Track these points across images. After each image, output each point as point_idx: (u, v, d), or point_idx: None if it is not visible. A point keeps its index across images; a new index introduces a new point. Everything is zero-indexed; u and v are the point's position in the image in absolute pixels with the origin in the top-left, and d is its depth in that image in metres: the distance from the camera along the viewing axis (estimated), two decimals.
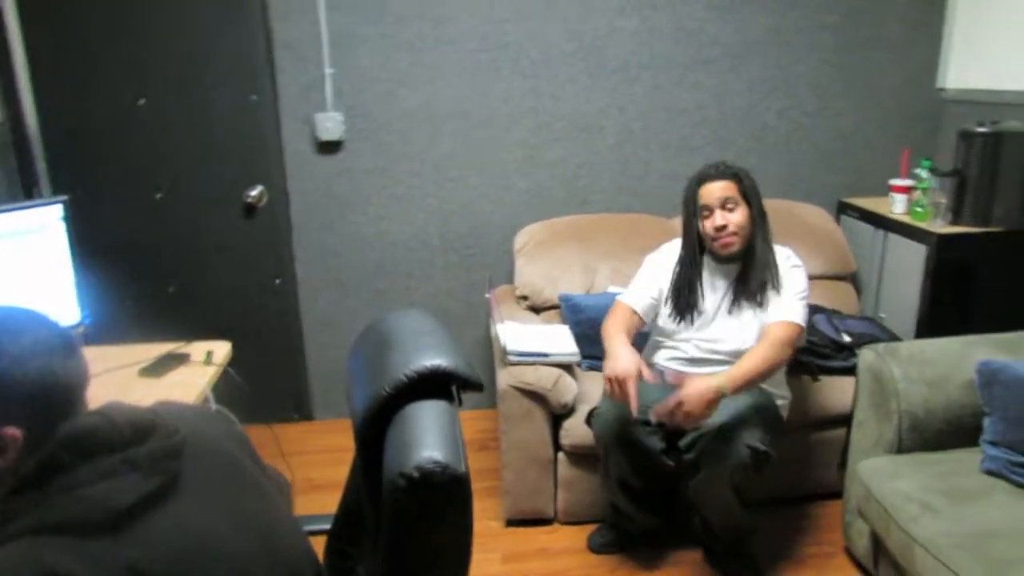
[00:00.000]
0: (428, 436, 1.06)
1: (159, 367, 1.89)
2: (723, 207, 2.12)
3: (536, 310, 2.86)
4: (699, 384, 1.92)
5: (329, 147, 2.93)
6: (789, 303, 2.11)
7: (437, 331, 1.31)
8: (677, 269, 2.24)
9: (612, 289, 2.73)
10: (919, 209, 2.73)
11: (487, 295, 2.45)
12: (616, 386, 1.99)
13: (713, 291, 2.22)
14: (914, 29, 3.09)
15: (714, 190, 2.13)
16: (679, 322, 2.22)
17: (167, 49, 2.75)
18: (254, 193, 2.91)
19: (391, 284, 3.13)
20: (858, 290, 3.01)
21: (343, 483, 1.33)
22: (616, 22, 2.93)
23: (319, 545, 1.27)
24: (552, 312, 2.83)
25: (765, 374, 2.03)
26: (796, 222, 2.98)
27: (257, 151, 2.90)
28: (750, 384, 1.99)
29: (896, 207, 2.86)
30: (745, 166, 3.12)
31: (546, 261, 2.86)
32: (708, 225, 2.14)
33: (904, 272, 2.75)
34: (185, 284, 2.99)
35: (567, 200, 3.10)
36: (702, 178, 2.17)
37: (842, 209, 3.17)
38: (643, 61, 2.99)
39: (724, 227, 2.11)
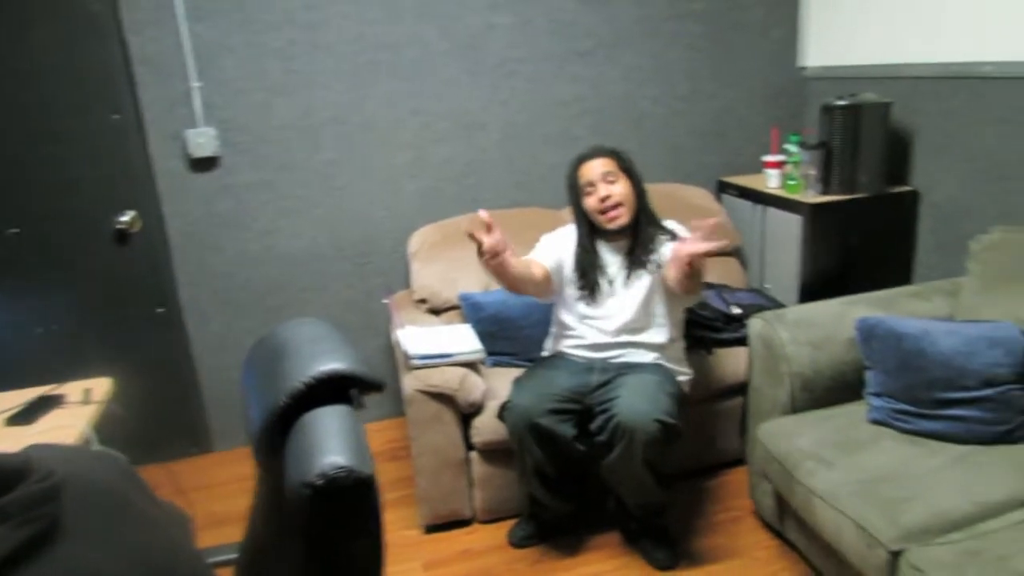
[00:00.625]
0: (330, 441, 1.03)
1: (29, 413, 1.75)
2: (604, 180, 2.21)
3: (436, 312, 2.83)
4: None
5: (204, 164, 2.80)
6: None
7: (332, 336, 1.27)
8: (578, 251, 2.28)
9: None
10: (791, 182, 2.87)
11: (385, 301, 2.41)
12: (479, 224, 1.94)
13: (609, 267, 2.27)
14: (772, 12, 3.25)
15: (594, 166, 2.23)
16: (587, 302, 2.26)
17: (7, 71, 2.54)
18: (125, 219, 2.74)
19: (285, 300, 3.02)
20: (743, 264, 3.14)
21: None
22: (491, 18, 2.94)
23: None
24: (453, 313, 2.81)
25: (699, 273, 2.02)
26: (680, 204, 3.08)
27: (124, 174, 2.73)
28: (696, 272, 1.97)
29: (771, 182, 3.00)
30: (627, 152, 3.23)
31: (442, 262, 2.84)
32: (593, 200, 2.22)
33: (783, 243, 2.89)
34: (57, 323, 2.77)
35: (457, 199, 3.09)
36: (581, 158, 2.28)
37: (722, 188, 3.30)
38: (520, 56, 3.01)
39: (608, 197, 2.19)
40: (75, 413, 1.75)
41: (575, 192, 2.27)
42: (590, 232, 2.28)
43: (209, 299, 2.95)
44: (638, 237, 2.24)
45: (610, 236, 2.26)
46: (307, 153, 2.89)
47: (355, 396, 1.20)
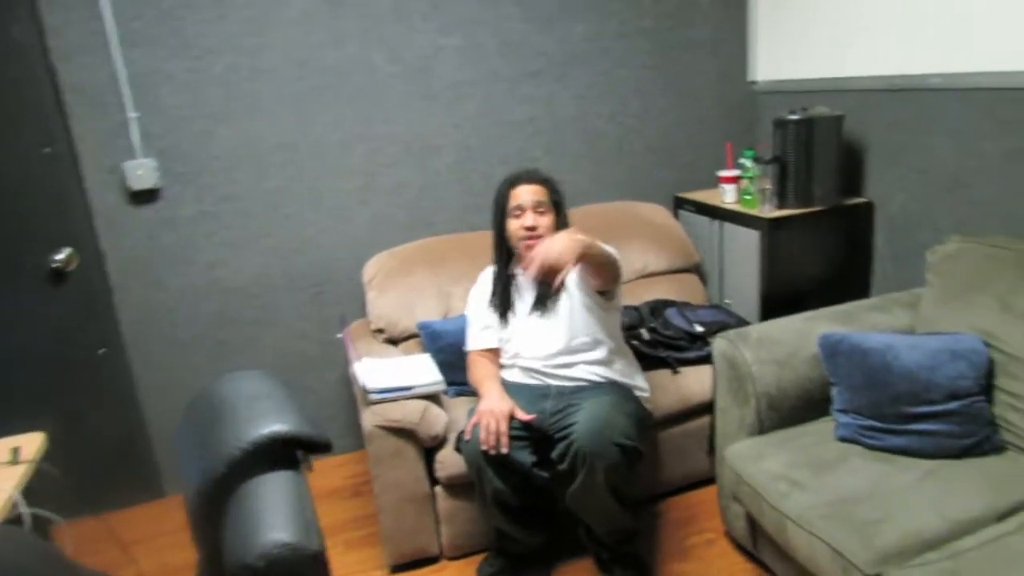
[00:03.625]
0: (271, 515, 0.95)
1: None
2: (534, 209, 2.17)
3: (395, 342, 2.75)
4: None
5: (144, 196, 2.68)
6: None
7: (273, 392, 1.19)
8: (495, 283, 2.29)
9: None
10: (748, 197, 2.86)
11: (339, 335, 2.32)
12: (491, 421, 2.00)
13: (523, 296, 2.25)
14: (720, 28, 3.24)
15: (527, 191, 2.19)
16: (501, 326, 2.27)
17: None
18: (60, 257, 2.59)
19: (235, 334, 2.91)
20: (703, 280, 3.12)
21: None
22: (439, 41, 2.88)
23: None
24: (412, 342, 2.73)
25: (610, 256, 2.06)
26: (638, 221, 3.05)
27: (58, 210, 2.59)
28: (601, 253, 2.00)
29: (727, 197, 2.98)
30: (582, 173, 3.19)
31: (398, 290, 2.76)
32: (518, 225, 2.19)
33: (742, 258, 2.87)
34: None
35: (412, 225, 3.02)
36: (515, 180, 2.23)
37: (679, 204, 3.28)
38: (471, 78, 2.96)
39: (534, 228, 2.16)
40: (2, 475, 1.62)
41: (500, 212, 2.24)
42: (508, 260, 2.27)
43: (154, 337, 2.82)
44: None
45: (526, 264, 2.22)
46: (252, 181, 2.79)
47: (302, 457, 1.12)
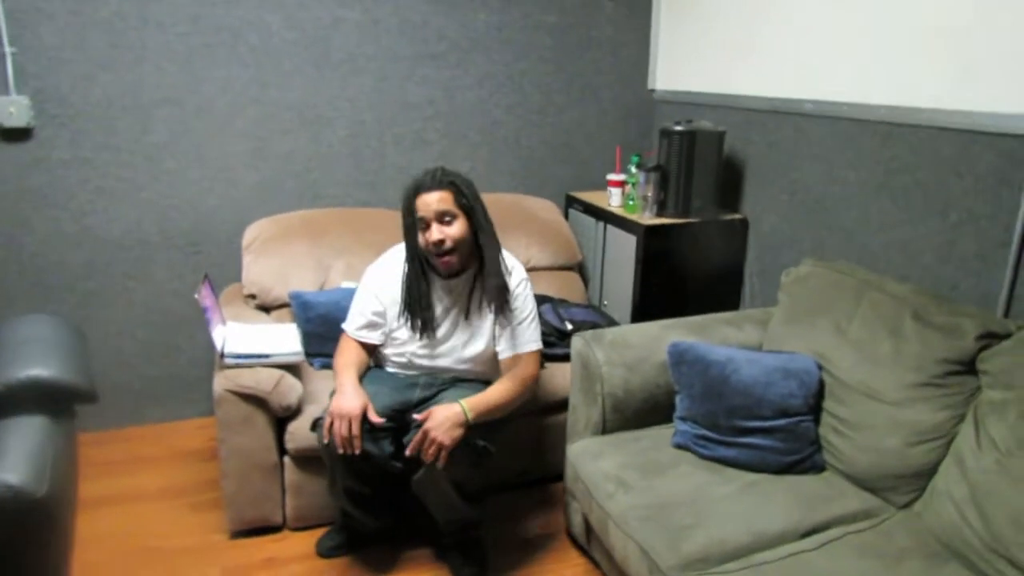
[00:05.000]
0: (5, 457, 0.94)
1: None
2: (439, 220, 2.01)
3: (267, 309, 2.73)
4: (442, 411, 1.93)
5: (16, 135, 2.59)
6: (527, 331, 2.16)
7: (49, 338, 1.18)
8: (407, 285, 2.14)
9: (346, 284, 2.67)
10: (631, 202, 2.92)
11: (196, 296, 2.29)
12: (342, 425, 1.94)
13: (440, 303, 2.16)
14: (623, 32, 3.29)
15: (430, 202, 2.00)
16: (419, 338, 2.17)
17: None
18: None
19: (104, 285, 2.84)
20: (585, 279, 3.18)
21: None
22: (338, 12, 2.85)
23: None
24: (285, 311, 2.71)
25: (506, 407, 2.07)
26: (525, 215, 3.09)
27: None
28: (491, 413, 2.02)
29: (613, 200, 3.04)
30: (477, 160, 3.20)
31: (277, 258, 2.74)
32: (425, 239, 2.04)
33: (621, 261, 2.93)
34: None
35: (299, 194, 2.99)
36: (418, 188, 2.02)
37: (570, 202, 3.33)
38: (369, 53, 2.94)
39: (441, 242, 2.01)
40: None
41: (408, 221, 2.06)
42: (424, 264, 2.12)
43: (15, 280, 2.73)
44: (481, 275, 2.11)
45: (443, 275, 2.14)
46: (134, 133, 2.72)
47: (65, 406, 1.11)
